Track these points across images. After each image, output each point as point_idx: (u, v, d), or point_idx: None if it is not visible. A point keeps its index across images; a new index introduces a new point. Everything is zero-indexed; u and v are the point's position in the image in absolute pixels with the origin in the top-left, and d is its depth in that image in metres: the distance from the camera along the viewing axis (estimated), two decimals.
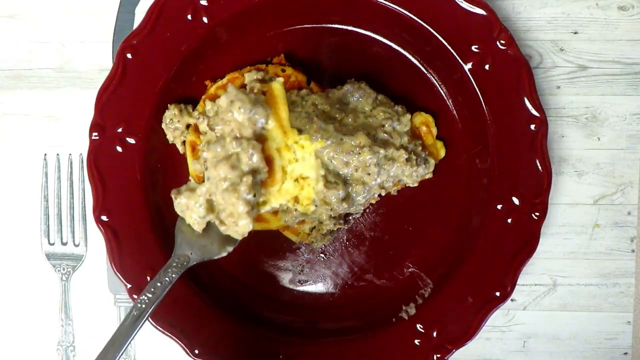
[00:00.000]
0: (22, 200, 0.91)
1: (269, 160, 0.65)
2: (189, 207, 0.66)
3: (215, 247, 0.71)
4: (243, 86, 0.84)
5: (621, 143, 0.89)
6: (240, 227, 0.64)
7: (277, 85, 0.67)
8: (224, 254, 0.72)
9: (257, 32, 0.87)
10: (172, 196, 0.68)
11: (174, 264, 0.71)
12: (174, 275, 0.71)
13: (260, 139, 0.65)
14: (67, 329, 0.91)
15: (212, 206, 0.66)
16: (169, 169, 0.87)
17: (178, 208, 0.67)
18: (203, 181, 0.67)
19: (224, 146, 0.63)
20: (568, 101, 0.89)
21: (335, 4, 0.85)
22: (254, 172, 0.63)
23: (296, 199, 0.71)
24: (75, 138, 0.90)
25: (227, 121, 0.63)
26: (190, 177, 0.85)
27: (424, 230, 0.88)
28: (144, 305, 0.70)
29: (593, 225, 0.89)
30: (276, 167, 0.66)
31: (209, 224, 0.69)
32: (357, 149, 0.78)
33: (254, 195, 0.64)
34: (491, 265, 0.83)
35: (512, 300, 0.90)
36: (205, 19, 0.83)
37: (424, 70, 0.87)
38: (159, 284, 0.70)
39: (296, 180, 0.70)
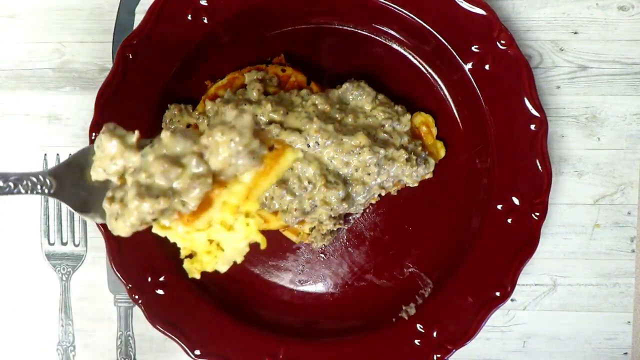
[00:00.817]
0: (22, 201, 0.91)
1: (205, 203, 0.53)
2: (104, 152, 0.53)
3: (91, 204, 0.57)
4: (243, 86, 0.84)
5: (621, 143, 0.89)
6: (115, 224, 0.54)
7: (291, 156, 0.58)
8: (90, 219, 0.59)
9: (257, 32, 0.87)
10: (104, 128, 0.56)
11: (34, 179, 0.56)
12: (21, 190, 0.56)
13: (219, 180, 0.53)
14: (67, 329, 0.91)
15: (122, 177, 0.55)
16: None
17: (98, 142, 0.55)
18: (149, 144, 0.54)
19: (184, 147, 0.52)
20: (568, 101, 0.89)
21: (335, 4, 0.85)
22: (178, 196, 0.52)
23: (194, 254, 0.60)
24: (75, 138, 0.90)
25: (211, 135, 0.52)
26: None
27: (424, 230, 0.88)
28: None
29: (593, 225, 0.89)
30: (204, 215, 0.54)
31: (105, 182, 0.57)
32: (357, 149, 0.78)
33: (154, 220, 0.53)
34: (491, 265, 0.83)
35: (512, 300, 0.90)
36: (205, 19, 0.83)
37: (424, 70, 0.87)
38: (10, 184, 0.56)
39: (210, 241, 0.59)
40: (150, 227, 0.79)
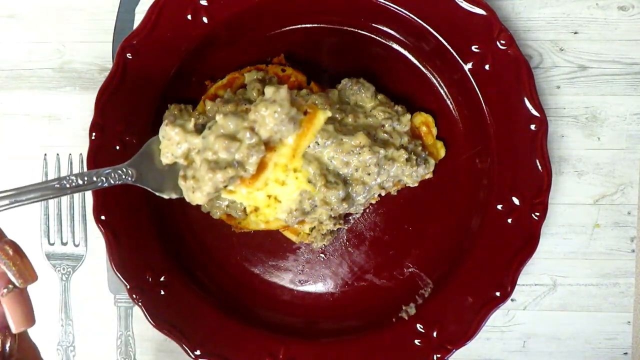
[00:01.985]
0: None
1: (261, 167, 0.65)
2: (170, 140, 0.65)
3: (165, 184, 0.69)
4: (243, 86, 0.84)
5: (621, 143, 0.89)
6: (193, 195, 0.64)
7: (322, 116, 0.67)
8: (166, 197, 0.70)
9: (257, 32, 0.87)
10: (165, 120, 0.66)
11: (120, 172, 0.68)
12: (111, 181, 0.67)
13: (269, 145, 0.65)
14: (67, 329, 0.91)
15: (188, 157, 0.65)
16: None
17: (161, 132, 0.66)
18: (202, 129, 0.66)
19: (237, 125, 0.63)
20: (568, 101, 0.89)
21: (336, 4, 0.85)
22: (241, 165, 0.63)
23: (257, 209, 0.72)
24: (75, 138, 0.90)
25: (257, 111, 0.63)
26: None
27: (424, 230, 0.88)
28: (67, 185, 0.64)
29: (593, 225, 0.89)
30: (262, 176, 0.66)
31: (174, 164, 0.68)
32: (357, 149, 0.78)
33: (225, 186, 0.65)
34: (491, 265, 0.83)
35: (512, 300, 0.90)
36: (205, 19, 0.83)
37: (424, 70, 0.87)
38: (94, 178, 0.66)
39: (269, 196, 0.70)
40: (150, 227, 0.80)
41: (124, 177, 0.67)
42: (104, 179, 0.66)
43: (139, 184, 0.69)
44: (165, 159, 0.66)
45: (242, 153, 0.63)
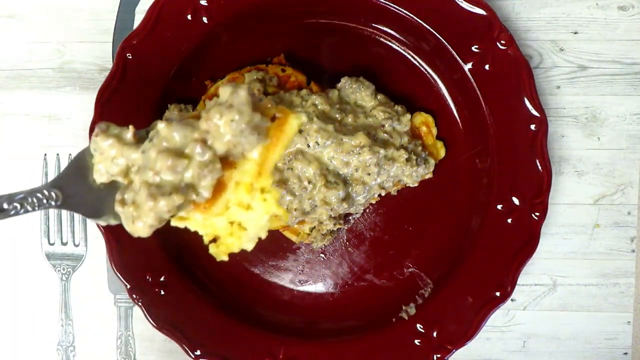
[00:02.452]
0: None
1: (218, 188, 0.52)
2: (103, 155, 0.51)
3: (102, 208, 0.55)
4: None
5: (621, 143, 0.89)
6: (133, 226, 0.52)
7: (295, 122, 0.54)
8: (104, 223, 0.57)
9: (257, 32, 0.87)
10: (96, 129, 0.53)
11: (39, 195, 0.53)
12: (28, 208, 0.53)
13: (228, 160, 0.51)
14: (67, 329, 0.91)
15: (127, 175, 0.52)
16: None
17: (93, 145, 0.52)
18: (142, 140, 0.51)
19: (185, 136, 0.49)
20: (568, 101, 0.89)
21: (336, 4, 0.85)
22: (191, 188, 0.49)
23: (217, 239, 0.58)
24: (75, 138, 0.90)
25: (210, 118, 0.49)
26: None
27: (424, 230, 0.88)
28: None
29: (593, 225, 0.89)
30: (220, 199, 0.52)
31: (112, 182, 0.54)
32: (357, 149, 0.78)
33: (171, 216, 0.51)
34: (491, 265, 0.83)
35: (512, 300, 0.90)
36: (205, 19, 0.83)
37: (424, 70, 0.87)
38: (5, 205, 0.53)
39: (231, 223, 0.56)
40: None
41: (44, 201, 0.53)
42: (19, 205, 0.53)
43: (65, 209, 0.56)
44: (100, 176, 0.53)
45: (193, 173, 0.49)
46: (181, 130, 0.50)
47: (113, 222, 0.55)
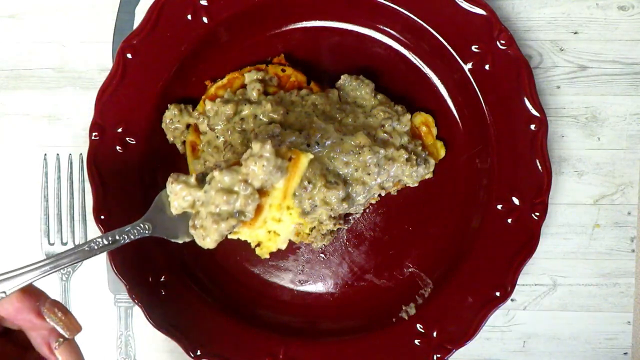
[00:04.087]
0: (22, 200, 0.91)
1: (258, 210, 0.73)
2: (176, 195, 0.72)
3: (179, 231, 0.75)
4: (243, 86, 0.84)
5: (621, 143, 0.89)
6: (204, 242, 0.72)
7: (305, 160, 0.73)
8: (181, 241, 0.76)
9: (257, 32, 0.87)
10: (170, 179, 0.73)
11: (138, 227, 0.74)
12: (132, 237, 0.74)
13: (263, 190, 0.72)
14: None
15: (194, 207, 0.73)
16: (169, 169, 0.86)
17: (168, 189, 0.73)
18: (204, 177, 0.74)
19: (232, 179, 0.71)
20: (568, 101, 0.89)
21: (336, 4, 0.85)
22: (241, 212, 0.71)
23: (260, 243, 0.80)
24: (75, 138, 0.90)
25: (247, 166, 0.70)
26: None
27: (424, 230, 0.88)
28: (95, 247, 0.71)
29: (593, 225, 0.89)
30: (260, 218, 0.74)
31: (183, 213, 0.75)
32: (357, 149, 0.78)
33: (230, 233, 0.73)
34: (491, 265, 0.83)
35: (512, 300, 0.90)
36: (205, 19, 0.83)
37: (424, 70, 0.87)
38: (117, 237, 0.73)
39: (269, 232, 0.78)
40: None
41: (142, 231, 0.74)
42: (125, 236, 0.73)
43: (155, 235, 0.75)
44: (175, 210, 0.73)
45: (241, 203, 0.70)
46: (229, 175, 0.71)
47: (187, 239, 0.75)
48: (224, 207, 0.70)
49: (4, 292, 0.66)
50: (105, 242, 0.72)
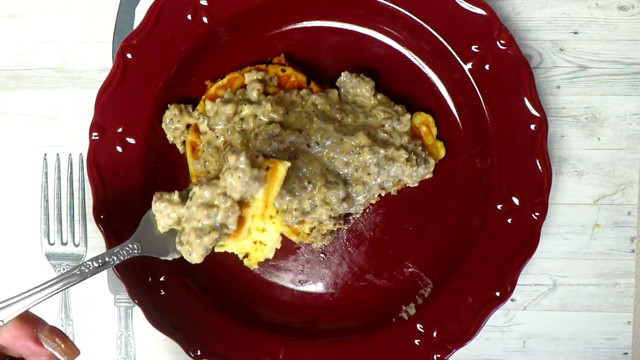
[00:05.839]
0: (22, 200, 0.91)
1: (241, 221, 0.74)
2: (161, 213, 0.74)
3: (168, 249, 0.76)
4: (243, 86, 0.84)
5: (621, 143, 0.89)
6: (191, 257, 0.74)
7: (282, 169, 0.73)
8: (170, 258, 0.77)
9: (257, 32, 0.87)
10: (154, 197, 0.74)
11: (127, 248, 0.75)
12: (121, 258, 0.75)
13: (243, 202, 0.73)
14: (67, 329, 0.91)
15: (180, 223, 0.74)
16: (169, 169, 0.87)
17: (154, 207, 0.75)
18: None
19: (212, 193, 0.72)
20: (568, 101, 0.89)
21: (336, 4, 0.85)
22: (223, 225, 0.72)
23: (247, 255, 0.80)
24: (75, 138, 0.90)
25: (225, 179, 0.71)
26: (191, 179, 0.85)
27: (424, 230, 0.88)
28: (86, 270, 0.73)
29: (593, 225, 0.89)
30: (243, 229, 0.75)
31: (171, 230, 0.76)
32: (357, 149, 0.78)
33: (213, 246, 0.74)
34: (491, 265, 0.83)
35: (512, 300, 0.90)
36: (205, 19, 0.83)
37: (424, 70, 0.87)
38: (107, 259, 0.74)
39: (255, 242, 0.79)
40: None
41: (131, 251, 0.75)
42: (115, 257, 0.74)
43: (145, 254, 0.76)
44: (162, 228, 0.75)
45: (221, 216, 0.72)
46: (208, 189, 0.72)
47: (177, 256, 0.76)
48: (206, 222, 0.72)
49: (2, 321, 0.67)
50: (96, 265, 0.73)
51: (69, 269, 0.75)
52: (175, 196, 0.74)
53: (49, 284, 0.71)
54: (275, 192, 0.74)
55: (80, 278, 0.73)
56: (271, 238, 0.79)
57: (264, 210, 0.75)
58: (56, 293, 0.71)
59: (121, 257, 0.75)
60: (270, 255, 0.80)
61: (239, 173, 0.71)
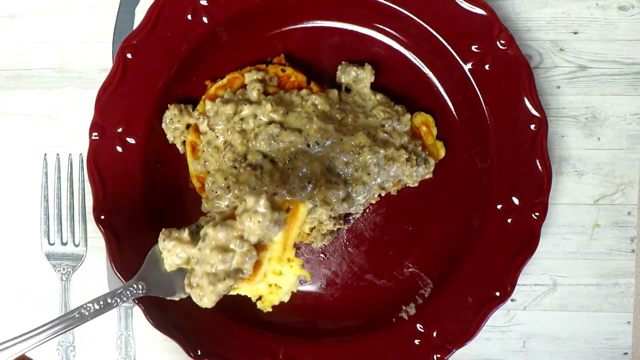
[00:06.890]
0: (22, 200, 0.91)
1: (257, 265, 0.69)
2: (170, 252, 0.69)
3: (175, 289, 0.72)
4: (243, 86, 0.84)
5: (621, 143, 0.89)
6: (201, 301, 0.69)
7: (304, 210, 0.69)
8: (177, 298, 0.73)
9: (257, 32, 0.87)
10: (161, 235, 0.70)
11: (132, 288, 0.71)
12: (124, 299, 0.71)
13: (260, 245, 0.69)
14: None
15: (189, 262, 0.70)
16: (169, 169, 0.87)
17: (161, 245, 0.70)
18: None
19: (227, 235, 0.67)
20: (568, 101, 0.89)
21: (336, 4, 0.85)
22: (238, 271, 0.68)
23: (261, 297, 0.75)
24: (75, 138, 0.90)
25: (242, 222, 0.66)
26: (191, 179, 0.85)
27: (424, 230, 0.88)
28: (87, 313, 0.69)
29: (593, 225, 0.89)
30: (259, 272, 0.70)
31: (179, 268, 0.72)
32: (357, 149, 0.78)
33: (227, 292, 0.69)
34: (491, 265, 0.83)
35: (512, 300, 0.90)
36: (205, 19, 0.83)
37: (424, 70, 0.87)
38: (109, 300, 0.70)
39: (270, 285, 0.73)
40: (150, 227, 0.79)
41: (135, 292, 0.71)
42: (118, 299, 0.70)
43: (150, 294, 0.72)
44: (169, 267, 0.70)
45: (237, 261, 0.67)
46: (224, 231, 0.67)
47: (184, 296, 0.72)
48: (220, 267, 0.67)
49: None
50: (97, 307, 0.70)
51: (68, 311, 0.71)
52: (185, 234, 0.69)
53: (46, 327, 0.68)
54: (295, 234, 0.70)
55: (80, 321, 0.69)
56: (288, 281, 0.73)
57: (282, 253, 0.71)
58: (54, 337, 0.68)
59: (124, 299, 0.71)
60: (286, 299, 0.75)
61: (259, 217, 0.65)
